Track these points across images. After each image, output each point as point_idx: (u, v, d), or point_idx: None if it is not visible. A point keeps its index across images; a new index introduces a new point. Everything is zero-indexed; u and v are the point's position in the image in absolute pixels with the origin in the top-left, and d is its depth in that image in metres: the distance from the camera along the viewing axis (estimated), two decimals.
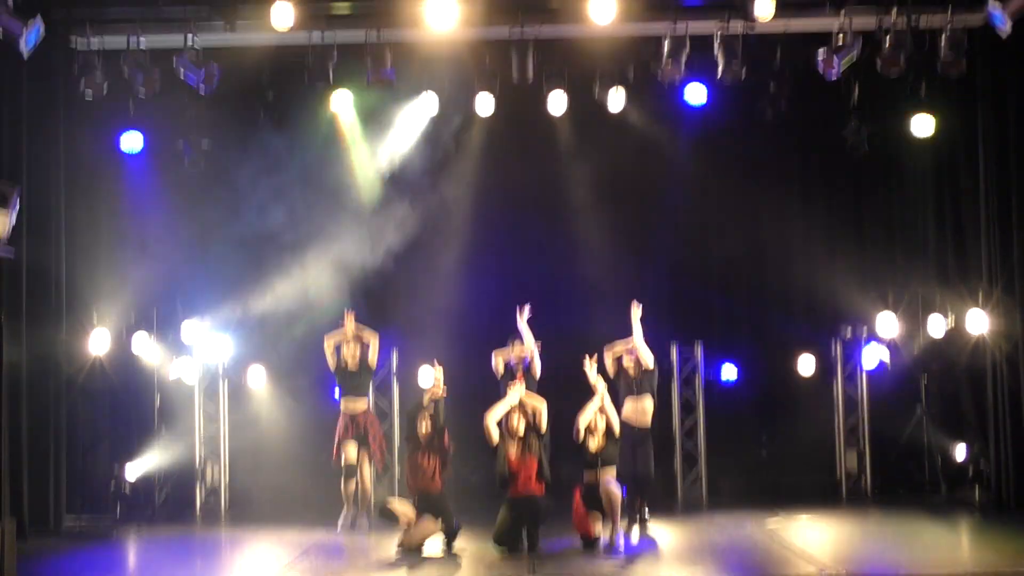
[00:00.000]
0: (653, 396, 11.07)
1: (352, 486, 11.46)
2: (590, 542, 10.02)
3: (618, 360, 10.97)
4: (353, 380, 11.45)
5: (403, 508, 10.30)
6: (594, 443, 10.19)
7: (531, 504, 9.97)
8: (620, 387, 10.94)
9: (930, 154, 13.20)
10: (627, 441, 10.67)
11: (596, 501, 10.03)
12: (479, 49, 12.05)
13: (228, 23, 11.26)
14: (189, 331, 12.80)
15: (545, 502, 10.05)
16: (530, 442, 10.04)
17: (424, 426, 10.21)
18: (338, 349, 11.44)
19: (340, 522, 11.32)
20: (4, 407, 10.71)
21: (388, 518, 10.26)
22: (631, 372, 10.91)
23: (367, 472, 11.54)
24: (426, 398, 10.30)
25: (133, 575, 9.57)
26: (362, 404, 11.52)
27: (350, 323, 11.40)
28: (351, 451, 11.41)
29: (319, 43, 11.50)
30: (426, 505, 10.14)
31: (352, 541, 10.68)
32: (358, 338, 11.45)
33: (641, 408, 10.94)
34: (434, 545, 10.08)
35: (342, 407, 11.48)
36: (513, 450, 10.03)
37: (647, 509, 10.95)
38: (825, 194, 13.70)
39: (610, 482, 10.00)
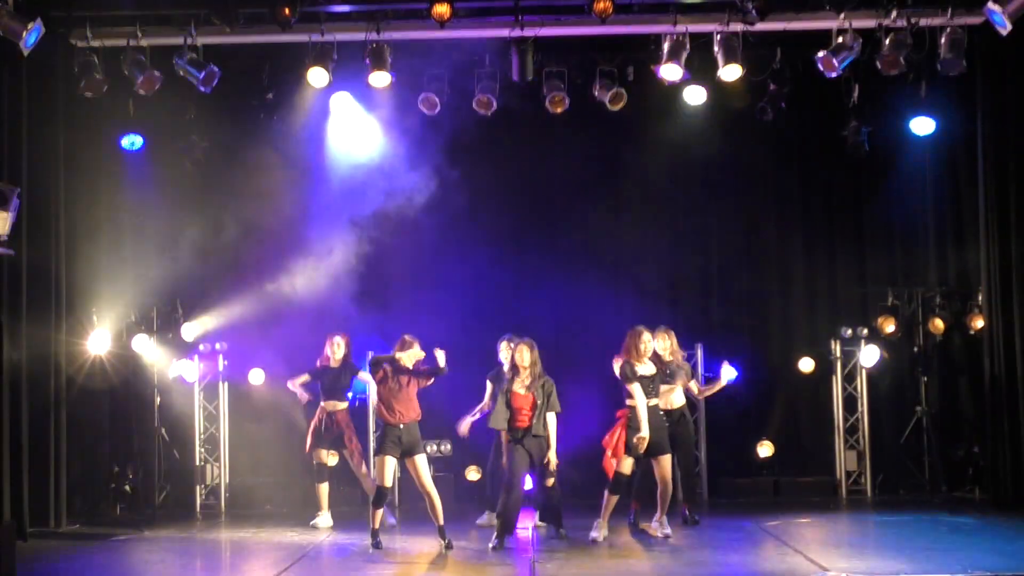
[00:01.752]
0: (684, 384, 11.27)
1: (325, 488, 11.56)
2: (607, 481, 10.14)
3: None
4: (336, 380, 11.48)
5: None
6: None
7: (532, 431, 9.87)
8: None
9: (930, 154, 13.22)
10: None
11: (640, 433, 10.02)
12: (478, 47, 12.06)
13: (228, 23, 11.23)
14: (189, 331, 12.80)
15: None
16: (534, 388, 9.96)
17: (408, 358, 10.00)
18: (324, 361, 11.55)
19: (314, 522, 11.42)
20: (4, 407, 10.72)
21: (382, 496, 10.09)
22: (665, 360, 10.89)
23: (361, 469, 11.55)
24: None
25: None
26: (341, 405, 11.55)
27: (340, 349, 11.44)
28: (324, 454, 11.54)
29: (319, 41, 11.52)
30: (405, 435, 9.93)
31: (352, 541, 10.66)
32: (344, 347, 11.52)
33: (673, 395, 11.11)
34: (432, 544, 10.09)
35: (321, 404, 11.54)
36: (518, 389, 9.96)
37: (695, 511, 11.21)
38: (825, 194, 13.70)
39: (667, 469, 10.15)
